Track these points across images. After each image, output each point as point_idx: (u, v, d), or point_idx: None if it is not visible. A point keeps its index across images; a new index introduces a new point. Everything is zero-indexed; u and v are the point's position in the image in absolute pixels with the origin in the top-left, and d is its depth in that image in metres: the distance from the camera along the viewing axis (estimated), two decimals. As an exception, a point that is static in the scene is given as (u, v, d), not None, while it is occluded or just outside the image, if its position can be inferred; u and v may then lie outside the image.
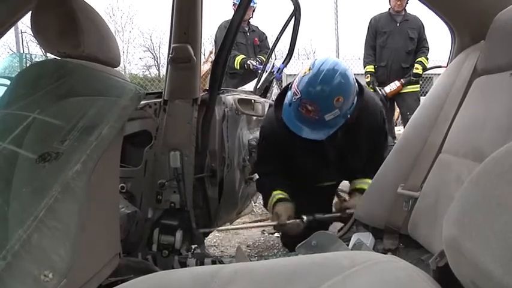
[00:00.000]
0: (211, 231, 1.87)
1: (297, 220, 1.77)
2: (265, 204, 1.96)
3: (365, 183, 1.89)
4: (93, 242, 1.07)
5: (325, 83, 1.62)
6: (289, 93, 1.75)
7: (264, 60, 3.36)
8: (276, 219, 1.78)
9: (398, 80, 4.10)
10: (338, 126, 1.71)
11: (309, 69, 1.65)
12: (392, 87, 4.11)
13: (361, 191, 1.87)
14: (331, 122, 1.68)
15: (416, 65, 4.09)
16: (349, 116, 1.71)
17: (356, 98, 1.73)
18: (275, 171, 1.96)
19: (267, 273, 0.59)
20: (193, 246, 1.80)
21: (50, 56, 1.24)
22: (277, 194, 1.88)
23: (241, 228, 2.32)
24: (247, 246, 2.57)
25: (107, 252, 1.18)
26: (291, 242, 1.89)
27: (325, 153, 1.86)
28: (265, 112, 2.35)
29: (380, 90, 4.10)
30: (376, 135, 1.89)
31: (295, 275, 0.57)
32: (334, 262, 0.59)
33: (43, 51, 1.30)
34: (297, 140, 1.75)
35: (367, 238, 1.53)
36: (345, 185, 2.16)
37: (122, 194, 1.77)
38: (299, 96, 1.65)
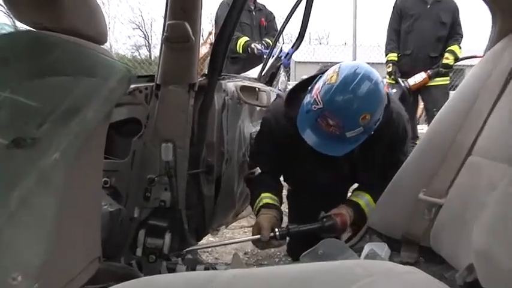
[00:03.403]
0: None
1: (272, 234, 1.73)
2: (251, 203, 1.97)
3: (362, 198, 1.89)
4: (70, 243, 1.06)
5: (354, 99, 1.57)
6: (308, 97, 1.71)
7: (271, 43, 3.34)
8: (256, 231, 1.76)
9: (425, 71, 4.04)
10: (359, 143, 1.70)
11: (336, 76, 1.61)
12: (417, 79, 4.06)
13: (353, 204, 1.87)
14: (352, 138, 1.66)
15: (446, 54, 4.00)
16: (372, 132, 1.69)
17: (382, 113, 1.70)
18: (270, 170, 1.96)
19: (269, 279, 0.59)
20: (184, 251, 1.80)
21: (23, 27, 1.22)
22: (265, 197, 1.87)
23: (214, 246, 2.33)
24: (245, 253, 2.57)
25: (85, 255, 1.17)
26: (295, 250, 1.90)
27: (334, 163, 1.85)
28: (271, 100, 2.34)
29: (403, 82, 4.05)
30: (395, 151, 1.88)
31: (299, 282, 0.57)
32: (345, 270, 0.59)
33: (13, 21, 1.27)
34: (305, 146, 1.74)
35: (382, 249, 1.54)
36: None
37: (105, 189, 1.77)
38: (321, 106, 1.61)
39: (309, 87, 1.74)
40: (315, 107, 1.64)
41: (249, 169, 2.05)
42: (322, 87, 1.63)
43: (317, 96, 1.63)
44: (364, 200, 1.88)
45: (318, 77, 1.73)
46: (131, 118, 1.84)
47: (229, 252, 2.53)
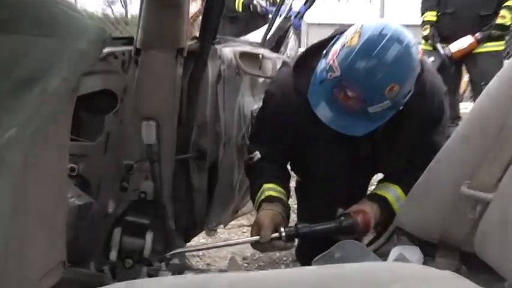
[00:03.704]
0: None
1: (277, 234, 1.74)
2: (252, 196, 1.98)
3: (389, 191, 1.90)
4: (26, 244, 1.06)
5: (379, 66, 1.58)
6: (322, 63, 1.72)
7: (277, 0, 3.33)
8: (255, 230, 1.77)
9: (472, 34, 3.99)
10: (384, 121, 1.71)
11: (358, 37, 1.61)
12: (461, 44, 4.01)
13: (378, 198, 1.88)
14: (376, 115, 1.67)
15: (502, 12, 3.91)
16: (401, 107, 1.70)
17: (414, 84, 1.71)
18: (275, 155, 1.96)
19: (274, 285, 0.60)
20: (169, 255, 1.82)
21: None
22: (268, 189, 1.88)
23: (205, 249, 2.36)
24: (244, 258, 2.60)
25: (45, 259, 1.17)
26: (306, 254, 1.91)
27: (353, 146, 1.86)
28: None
29: (443, 48, 4.02)
30: (428, 132, 1.89)
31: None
32: (366, 275, 0.59)
33: None
34: (318, 124, 1.74)
35: (413, 254, 1.55)
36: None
37: (72, 178, 1.77)
38: (338, 75, 1.62)
39: (324, 52, 1.74)
40: (330, 75, 1.64)
41: (249, 153, 2.06)
42: (340, 50, 1.63)
43: (334, 62, 1.63)
44: (392, 193, 1.88)
45: (335, 39, 1.72)
46: (104, 90, 1.84)
47: (225, 256, 2.55)
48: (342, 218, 1.79)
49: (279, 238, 1.73)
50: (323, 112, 1.71)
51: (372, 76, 1.58)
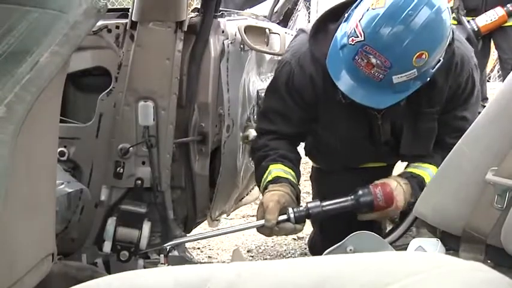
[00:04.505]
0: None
1: (284, 216, 1.74)
2: (257, 179, 1.98)
3: (425, 170, 1.89)
4: (12, 234, 1.07)
5: (407, 28, 1.58)
6: (343, 28, 1.72)
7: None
8: (260, 214, 1.78)
9: (502, 6, 3.98)
10: (409, 93, 1.71)
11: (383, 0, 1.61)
12: (490, 17, 3.99)
13: (407, 175, 1.87)
14: (401, 85, 1.67)
15: None
16: (428, 78, 1.70)
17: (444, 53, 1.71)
18: (284, 133, 1.95)
19: (288, 277, 0.60)
20: (167, 246, 1.83)
21: None
22: (275, 169, 1.87)
23: (205, 237, 2.35)
24: (248, 251, 2.62)
25: (33, 251, 1.18)
26: (321, 249, 1.92)
27: (373, 124, 1.86)
28: (286, 46, 2.33)
29: (469, 22, 4.00)
30: (455, 108, 1.89)
31: (327, 281, 0.57)
32: (385, 266, 0.60)
33: None
34: (334, 99, 1.75)
35: (434, 247, 1.55)
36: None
37: (62, 162, 1.79)
38: (361, 39, 1.62)
39: (346, 15, 1.74)
40: (353, 40, 1.64)
41: (257, 132, 2.04)
42: (364, 14, 1.63)
43: (357, 26, 1.63)
44: (428, 172, 1.87)
45: (359, 1, 1.72)
46: (96, 67, 1.85)
47: (227, 249, 2.57)
48: (360, 192, 1.78)
49: (287, 220, 1.74)
50: (343, 81, 1.70)
51: (399, 41, 1.59)
